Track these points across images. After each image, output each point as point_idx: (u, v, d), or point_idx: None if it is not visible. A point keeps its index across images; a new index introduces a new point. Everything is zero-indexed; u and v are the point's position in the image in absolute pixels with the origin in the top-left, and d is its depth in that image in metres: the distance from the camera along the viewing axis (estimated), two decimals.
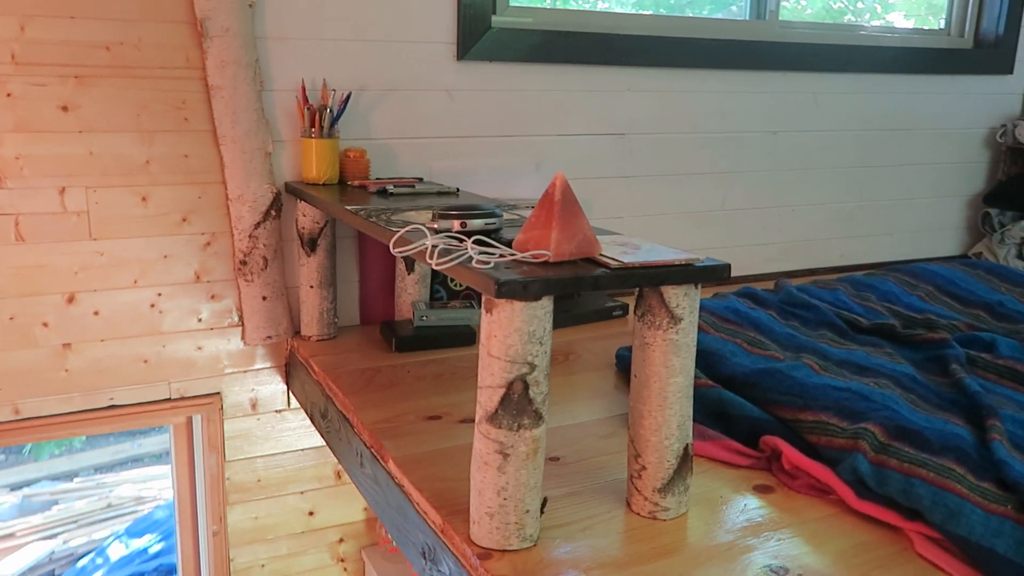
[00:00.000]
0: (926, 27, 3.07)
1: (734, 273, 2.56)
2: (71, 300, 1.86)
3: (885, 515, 1.18)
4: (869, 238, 2.88)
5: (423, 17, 2.06)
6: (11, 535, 4.33)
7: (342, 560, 2.29)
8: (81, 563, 4.10)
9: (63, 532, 4.40)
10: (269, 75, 1.92)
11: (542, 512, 1.14)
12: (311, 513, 2.21)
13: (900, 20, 3.09)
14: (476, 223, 1.24)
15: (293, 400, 2.10)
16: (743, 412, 1.44)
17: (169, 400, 1.99)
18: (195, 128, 1.88)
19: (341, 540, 2.28)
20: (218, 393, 2.03)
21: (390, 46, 2.04)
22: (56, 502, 4.68)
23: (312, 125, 1.91)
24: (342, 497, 2.23)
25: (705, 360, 1.59)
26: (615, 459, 1.37)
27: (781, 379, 1.47)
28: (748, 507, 1.24)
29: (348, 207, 1.61)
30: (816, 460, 1.30)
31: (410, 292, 2.03)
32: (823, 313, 1.89)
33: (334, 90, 1.96)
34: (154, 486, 4.79)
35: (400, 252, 1.25)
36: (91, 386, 1.91)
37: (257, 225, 1.93)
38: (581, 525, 1.18)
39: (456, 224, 1.24)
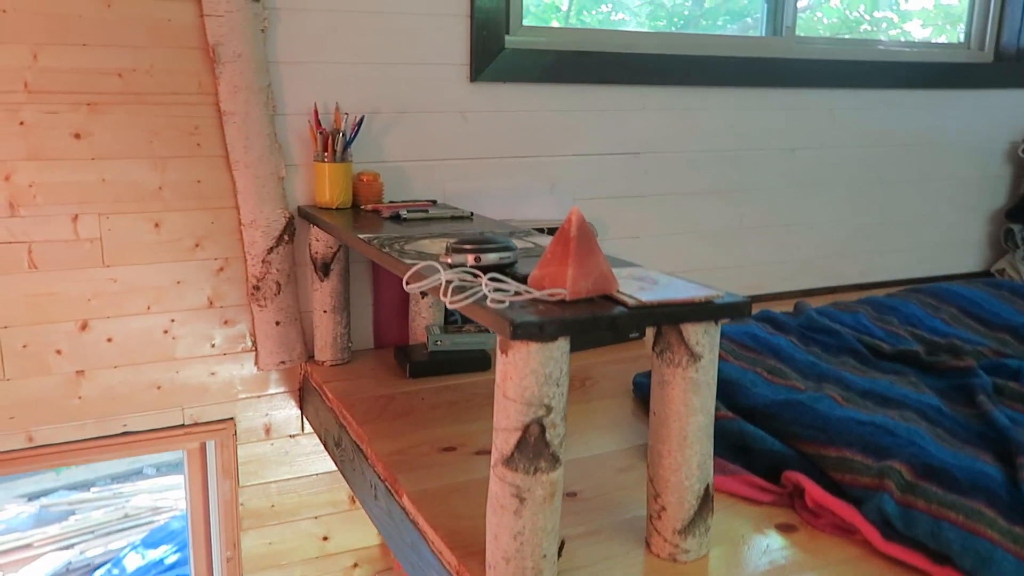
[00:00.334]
0: (944, 37, 3.03)
1: (752, 292, 2.57)
2: (84, 327, 1.85)
3: (913, 558, 1.14)
4: (889, 255, 2.84)
5: (436, 39, 2.04)
6: (28, 545, 4.34)
7: None
8: (97, 574, 4.10)
9: (80, 543, 4.40)
10: (281, 99, 1.91)
11: (560, 555, 1.11)
12: (325, 538, 2.19)
13: (917, 29, 3.05)
14: (491, 257, 1.22)
15: (307, 425, 2.09)
16: (764, 446, 1.41)
17: (183, 426, 1.98)
18: (208, 153, 1.87)
19: (356, 565, 2.25)
20: (232, 418, 2.02)
21: (403, 68, 2.03)
22: (73, 512, 4.68)
23: (325, 149, 1.89)
24: (356, 522, 2.21)
25: (725, 390, 1.55)
26: (633, 494, 1.34)
27: (803, 411, 1.44)
28: (771, 547, 1.21)
29: (361, 235, 1.59)
30: (840, 498, 1.26)
31: (424, 316, 2.01)
32: (844, 338, 1.85)
33: (347, 113, 1.94)
34: (170, 496, 4.79)
35: (413, 288, 1.23)
36: (105, 413, 1.90)
37: (270, 250, 1.92)
38: (599, 567, 1.15)
39: (470, 258, 1.22)
